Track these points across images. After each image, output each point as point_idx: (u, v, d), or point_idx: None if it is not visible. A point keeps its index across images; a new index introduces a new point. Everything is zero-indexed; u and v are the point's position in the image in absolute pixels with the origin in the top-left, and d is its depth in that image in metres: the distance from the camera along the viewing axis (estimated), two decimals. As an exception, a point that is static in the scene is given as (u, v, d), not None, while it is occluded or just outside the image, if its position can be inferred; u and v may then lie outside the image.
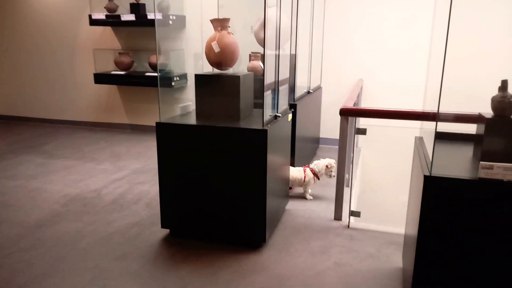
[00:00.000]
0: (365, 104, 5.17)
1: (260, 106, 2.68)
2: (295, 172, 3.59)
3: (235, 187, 2.68)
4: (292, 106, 3.66)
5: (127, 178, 4.19)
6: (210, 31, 2.84)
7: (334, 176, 3.57)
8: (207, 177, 2.72)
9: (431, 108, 1.99)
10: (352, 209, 3.20)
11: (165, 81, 5.30)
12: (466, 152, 2.07)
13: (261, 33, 3.53)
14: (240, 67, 3.51)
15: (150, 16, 5.48)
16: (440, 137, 2.08)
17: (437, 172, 1.75)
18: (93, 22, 5.73)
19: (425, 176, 1.74)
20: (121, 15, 5.56)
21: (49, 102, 6.78)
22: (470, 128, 2.07)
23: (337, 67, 5.32)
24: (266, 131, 2.54)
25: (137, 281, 2.42)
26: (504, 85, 1.84)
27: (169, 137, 2.74)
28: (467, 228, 1.74)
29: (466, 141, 2.19)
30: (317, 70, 5.06)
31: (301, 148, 4.16)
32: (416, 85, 4.86)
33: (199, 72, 2.92)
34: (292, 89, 3.77)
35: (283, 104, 3.17)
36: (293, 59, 3.81)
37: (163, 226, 2.92)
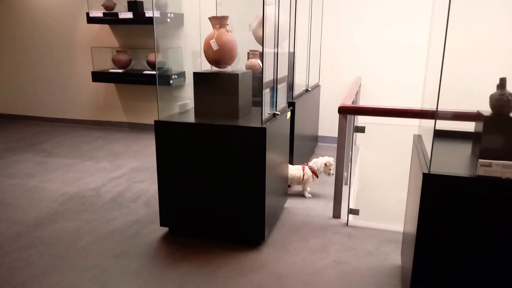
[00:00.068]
0: (363, 102, 5.17)
1: (259, 104, 2.68)
2: (294, 170, 3.59)
3: (234, 185, 2.68)
4: (291, 104, 3.66)
5: (125, 177, 4.19)
6: (208, 29, 2.84)
7: (333, 174, 3.57)
8: (206, 175, 2.71)
9: (429, 106, 1.99)
10: (350, 207, 3.21)
11: (163, 79, 5.30)
12: (465, 150, 2.08)
13: (259, 31, 3.52)
14: (239, 65, 3.50)
15: (148, 14, 5.46)
16: (439, 135, 2.08)
17: (436, 170, 1.75)
18: (91, 20, 5.72)
19: (424, 174, 1.75)
20: (118, 13, 5.55)
21: (47, 100, 6.76)
22: (469, 126, 2.08)
23: (335, 65, 5.32)
24: (265, 129, 2.54)
25: (136, 279, 2.42)
26: (502, 83, 1.84)
27: (167, 135, 2.73)
28: (465, 226, 1.74)
29: (465, 139, 2.19)
30: (315, 68, 5.06)
31: (300, 146, 4.16)
32: (415, 83, 4.87)
33: (198, 70, 2.92)
34: (290, 87, 3.76)
35: (282, 102, 3.17)
36: (291, 57, 3.81)
37: (162, 225, 2.92)
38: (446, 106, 1.80)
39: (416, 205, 1.86)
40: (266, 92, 2.77)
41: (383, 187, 4.98)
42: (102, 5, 5.72)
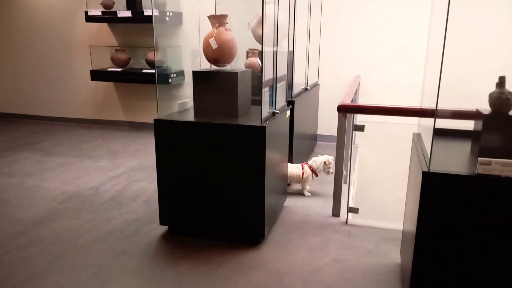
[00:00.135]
0: (362, 101, 5.18)
1: (258, 103, 2.68)
2: (293, 169, 3.60)
3: (234, 184, 2.68)
4: (290, 103, 3.66)
5: (125, 176, 4.18)
6: (207, 27, 2.84)
7: (332, 172, 3.57)
8: (205, 174, 2.72)
9: (428, 104, 2.00)
10: (350, 205, 3.22)
11: (162, 78, 5.29)
12: (464, 148, 2.08)
13: (258, 29, 3.52)
14: (238, 64, 3.50)
15: (147, 12, 5.45)
16: (438, 133, 2.09)
17: (436, 168, 1.76)
18: (89, 18, 5.70)
19: (423, 172, 1.75)
20: (117, 12, 5.53)
21: (46, 99, 6.75)
22: (468, 125, 2.08)
23: (334, 63, 5.33)
24: (264, 127, 2.54)
25: (136, 278, 2.43)
26: (501, 81, 1.85)
27: (167, 134, 2.73)
28: (465, 224, 1.75)
29: (464, 137, 2.20)
30: (314, 67, 5.06)
31: (299, 145, 4.16)
32: (414, 82, 4.87)
33: (197, 68, 2.92)
34: (289, 86, 3.76)
35: (281, 101, 3.17)
36: (290, 56, 3.81)
37: (161, 223, 2.92)
38: (445, 104, 1.80)
39: (416, 203, 1.86)
40: (266, 91, 2.78)
41: (382, 186, 4.99)
42: (100, 4, 5.71)
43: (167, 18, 5.40)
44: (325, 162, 3.64)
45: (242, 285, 2.36)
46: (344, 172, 3.40)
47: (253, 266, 2.55)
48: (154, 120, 2.74)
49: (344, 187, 3.33)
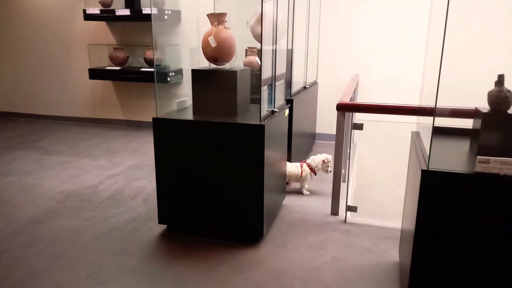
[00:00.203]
0: (361, 100, 5.18)
1: (257, 101, 2.68)
2: (292, 168, 3.60)
3: (233, 183, 2.68)
4: (289, 102, 3.66)
5: (123, 174, 4.18)
6: (205, 26, 2.83)
7: (331, 171, 3.57)
8: (204, 172, 2.71)
9: (427, 103, 2.00)
10: (348, 204, 3.22)
11: (160, 77, 5.27)
12: (463, 146, 2.09)
13: (257, 28, 3.52)
14: (236, 62, 3.50)
15: (145, 11, 5.44)
16: (437, 131, 2.09)
17: (435, 166, 1.76)
18: (88, 17, 5.69)
19: (422, 171, 1.75)
20: (115, 10, 5.52)
21: (44, 97, 6.73)
22: (467, 123, 2.08)
23: (333, 62, 5.32)
24: (263, 126, 2.54)
25: (135, 277, 2.42)
26: (500, 79, 1.85)
27: (166, 132, 2.73)
28: (464, 222, 1.75)
29: (463, 136, 2.20)
30: (313, 65, 5.06)
31: (298, 144, 4.16)
32: (412, 80, 4.88)
33: (196, 67, 2.91)
34: (288, 84, 3.76)
35: (280, 99, 3.17)
36: (289, 54, 3.81)
37: (160, 222, 2.92)
38: (444, 103, 1.80)
39: (415, 201, 1.87)
40: (264, 89, 2.77)
41: (381, 184, 5.00)
42: (99, 2, 5.69)
43: (166, 17, 5.38)
44: (323, 161, 3.65)
45: (241, 283, 2.36)
46: (343, 170, 3.40)
47: (252, 264, 2.55)
48: (153, 118, 2.73)
49: (343, 185, 3.33)
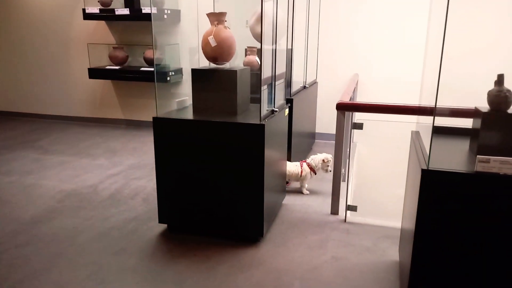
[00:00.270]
0: (360, 99, 5.18)
1: (256, 101, 2.68)
2: (292, 167, 3.60)
3: (233, 182, 2.68)
4: (289, 101, 3.66)
5: (123, 174, 4.18)
6: (205, 25, 2.83)
7: (330, 170, 3.58)
8: (204, 172, 2.71)
9: (427, 102, 2.00)
10: (348, 203, 3.22)
11: (160, 76, 5.26)
12: (463, 146, 2.09)
13: (257, 27, 3.52)
14: (236, 62, 3.50)
15: (145, 10, 5.43)
16: (437, 131, 2.09)
17: (435, 165, 1.76)
18: (87, 16, 5.68)
19: (422, 170, 1.75)
20: (115, 9, 5.51)
21: (43, 97, 6.73)
22: (467, 122, 2.09)
23: (332, 62, 5.32)
24: (263, 125, 2.54)
25: (135, 276, 2.42)
26: (500, 79, 1.85)
27: (166, 132, 2.73)
28: (464, 221, 1.75)
29: (463, 135, 2.20)
30: (313, 65, 5.06)
31: (298, 143, 4.17)
32: (412, 80, 4.87)
33: (195, 66, 2.91)
34: (288, 84, 3.76)
35: (280, 99, 3.17)
36: (289, 54, 3.81)
37: (160, 221, 2.92)
38: (444, 102, 1.80)
39: (415, 201, 1.87)
40: (264, 89, 2.77)
41: (380, 184, 4.99)
42: (98, 1, 5.68)
43: (165, 16, 5.38)
44: (323, 160, 3.65)
45: (241, 283, 2.36)
46: (343, 170, 3.41)
47: (252, 264, 2.55)
48: (153, 118, 2.73)
49: (343, 185, 3.33)
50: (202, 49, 2.83)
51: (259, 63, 2.97)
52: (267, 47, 2.72)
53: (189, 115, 2.83)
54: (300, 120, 4.20)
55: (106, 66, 5.95)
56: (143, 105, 6.25)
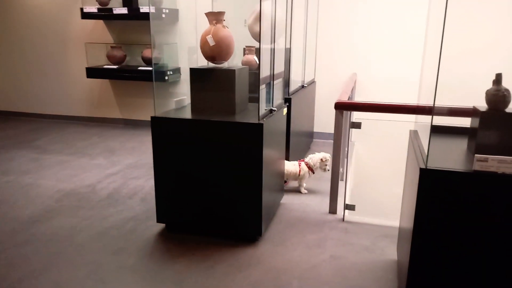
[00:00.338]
0: (358, 98, 5.19)
1: (255, 100, 2.68)
2: (290, 166, 3.60)
3: (231, 181, 2.68)
4: (287, 100, 3.66)
5: (121, 173, 4.17)
6: (203, 25, 2.83)
7: (329, 170, 3.58)
8: (202, 171, 2.71)
9: (426, 101, 2.00)
10: (346, 202, 3.23)
11: (158, 75, 5.26)
12: (461, 145, 2.09)
13: (255, 26, 3.52)
14: (234, 61, 3.49)
15: (143, 9, 5.43)
16: (435, 130, 2.10)
17: (433, 164, 1.77)
18: (85, 15, 5.67)
19: (420, 169, 1.76)
20: (113, 9, 5.50)
21: (41, 96, 6.71)
22: (465, 122, 2.09)
23: (331, 61, 5.33)
24: (262, 125, 2.54)
25: (133, 276, 2.42)
26: (498, 78, 1.86)
27: (164, 131, 2.73)
28: (462, 220, 1.76)
29: (461, 134, 2.21)
30: (311, 64, 5.06)
31: (296, 142, 4.17)
32: (410, 79, 4.88)
33: (194, 66, 2.91)
34: (286, 83, 3.77)
35: (278, 98, 3.18)
36: (287, 53, 3.81)
37: (158, 221, 2.92)
38: (442, 101, 1.81)
39: (413, 200, 1.87)
40: (262, 88, 2.77)
41: (379, 183, 5.01)
42: (96, 1, 5.67)
43: (163, 15, 5.37)
44: (321, 159, 3.65)
45: (240, 282, 2.36)
46: (341, 169, 3.41)
47: (250, 263, 2.55)
48: (151, 117, 2.73)
49: (341, 184, 3.34)
50: (201, 48, 2.83)
51: (258, 62, 2.97)
52: (265, 46, 2.72)
53: (187, 114, 2.82)
54: (298, 119, 4.20)
55: (104, 65, 5.94)
56: (141, 104, 6.24)
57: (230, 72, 2.77)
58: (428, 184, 1.76)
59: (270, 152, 2.82)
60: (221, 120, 2.62)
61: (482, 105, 1.89)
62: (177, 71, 5.59)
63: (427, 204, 1.79)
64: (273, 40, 2.88)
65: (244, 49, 3.90)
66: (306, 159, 3.69)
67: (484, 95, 1.88)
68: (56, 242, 2.81)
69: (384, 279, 2.39)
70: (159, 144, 2.75)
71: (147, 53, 5.68)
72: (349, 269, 2.49)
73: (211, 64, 2.96)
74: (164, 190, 2.83)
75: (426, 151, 1.82)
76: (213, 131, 2.63)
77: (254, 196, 2.66)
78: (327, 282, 2.36)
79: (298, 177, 3.64)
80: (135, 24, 5.90)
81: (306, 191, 3.70)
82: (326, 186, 3.47)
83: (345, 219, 3.14)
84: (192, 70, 2.85)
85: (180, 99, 3.08)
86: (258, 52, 2.60)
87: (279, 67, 3.18)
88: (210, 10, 3.05)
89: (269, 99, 2.93)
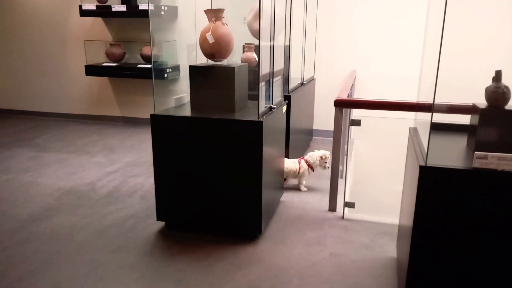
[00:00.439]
0: (358, 96, 5.18)
1: (254, 97, 2.67)
2: (290, 164, 3.60)
3: (231, 179, 2.68)
4: (286, 98, 3.66)
5: (121, 171, 4.17)
6: (202, 22, 2.82)
7: (328, 167, 3.58)
8: (202, 169, 2.71)
9: (425, 99, 2.00)
10: (346, 200, 3.23)
11: (157, 73, 5.27)
12: (461, 142, 2.09)
13: (254, 24, 3.51)
14: (234, 59, 3.49)
15: (142, 6, 5.41)
16: (435, 127, 2.09)
17: (432, 162, 1.76)
18: (84, 13, 5.65)
19: (420, 166, 1.76)
20: (112, 6, 5.49)
21: (40, 94, 6.70)
22: (464, 119, 2.09)
23: (330, 58, 5.32)
24: (261, 122, 2.54)
25: (133, 274, 2.42)
26: (497, 75, 1.85)
27: (164, 129, 2.72)
28: (462, 217, 1.76)
29: (461, 132, 2.20)
30: (310, 61, 5.05)
31: (295, 140, 4.17)
32: (410, 76, 4.88)
33: (193, 63, 2.90)
34: (286, 80, 3.76)
35: (278, 95, 3.17)
36: (287, 51, 3.80)
37: (158, 219, 2.92)
38: (442, 99, 1.81)
39: (413, 197, 1.87)
40: (262, 86, 2.77)
41: (378, 180, 5.00)
42: (95, -2, 5.66)
43: (162, 13, 5.36)
44: (321, 157, 3.65)
45: (240, 280, 2.36)
46: (341, 167, 3.41)
47: (250, 261, 2.55)
48: (151, 115, 2.72)
49: (341, 182, 3.33)
50: (200, 46, 2.82)
51: (257, 59, 2.95)
52: (265, 44, 2.72)
53: (187, 112, 2.82)
54: (298, 117, 4.20)
55: (103, 63, 5.93)
56: (140, 102, 6.24)
57: (230, 70, 2.77)
58: (428, 182, 1.76)
59: (270, 150, 2.82)
60: (221, 117, 2.62)
61: (482, 102, 1.89)
62: (176, 68, 5.58)
63: (426, 202, 1.79)
64: (272, 38, 2.87)
65: (243, 46, 3.89)
66: (306, 157, 3.69)
67: (483, 92, 1.88)
68: (55, 240, 2.81)
69: (384, 276, 2.40)
70: (159, 142, 2.75)
71: (146, 50, 5.67)
72: (349, 266, 2.49)
73: (210, 62, 2.95)
74: (164, 188, 2.83)
75: (426, 149, 1.82)
76: (213, 129, 2.63)
77: (253, 194, 2.66)
78: (327, 280, 2.36)
79: (297, 174, 3.64)
80: (134, 22, 5.88)
81: (305, 189, 3.70)
82: (326, 184, 3.47)
83: (344, 217, 3.15)
84: (192, 68, 2.84)
85: (179, 96, 3.07)
86: (257, 49, 2.59)
87: (279, 65, 3.18)
88: (209, 7, 3.04)
89: (269, 97, 2.93)
